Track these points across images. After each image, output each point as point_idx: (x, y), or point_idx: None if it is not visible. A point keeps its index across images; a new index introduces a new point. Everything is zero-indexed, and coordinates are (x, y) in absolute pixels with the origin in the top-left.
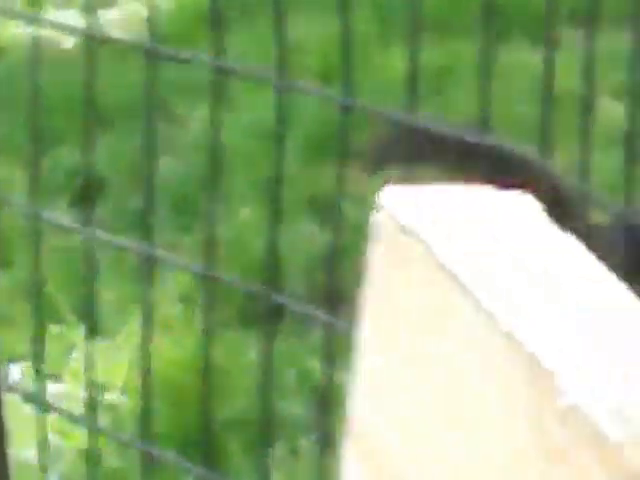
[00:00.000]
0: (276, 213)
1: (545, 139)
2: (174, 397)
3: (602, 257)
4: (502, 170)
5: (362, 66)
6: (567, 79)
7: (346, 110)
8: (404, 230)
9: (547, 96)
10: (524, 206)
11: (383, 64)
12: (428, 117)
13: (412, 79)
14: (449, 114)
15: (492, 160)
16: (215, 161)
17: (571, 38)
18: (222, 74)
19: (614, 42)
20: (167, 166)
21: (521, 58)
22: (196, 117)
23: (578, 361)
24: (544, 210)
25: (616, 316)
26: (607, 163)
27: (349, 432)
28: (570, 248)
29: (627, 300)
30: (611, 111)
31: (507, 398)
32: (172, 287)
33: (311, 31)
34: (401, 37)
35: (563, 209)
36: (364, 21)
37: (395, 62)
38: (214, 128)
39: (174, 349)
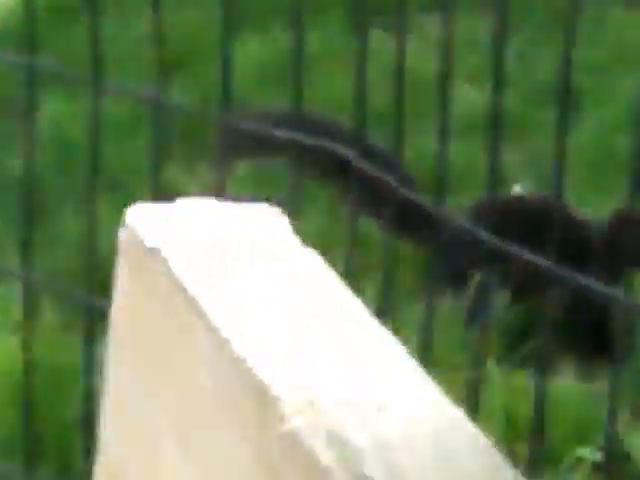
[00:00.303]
0: (94, 211)
1: (359, 122)
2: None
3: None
4: (327, 169)
5: (214, 54)
6: (422, 64)
7: (159, 108)
8: (146, 249)
9: (400, 80)
10: (270, 223)
11: (236, 51)
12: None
13: (225, 80)
14: (307, 103)
15: (318, 160)
16: (29, 164)
17: (426, 24)
18: (34, 74)
19: (469, 27)
20: (17, 163)
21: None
22: (42, 114)
23: (305, 387)
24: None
25: (355, 341)
26: (461, 148)
27: (98, 451)
28: (311, 267)
29: (366, 323)
30: (467, 96)
31: (238, 424)
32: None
33: (173, 22)
34: (253, 23)
35: (387, 207)
36: (216, 7)
37: (250, 48)
38: (26, 129)
39: (21, 352)
